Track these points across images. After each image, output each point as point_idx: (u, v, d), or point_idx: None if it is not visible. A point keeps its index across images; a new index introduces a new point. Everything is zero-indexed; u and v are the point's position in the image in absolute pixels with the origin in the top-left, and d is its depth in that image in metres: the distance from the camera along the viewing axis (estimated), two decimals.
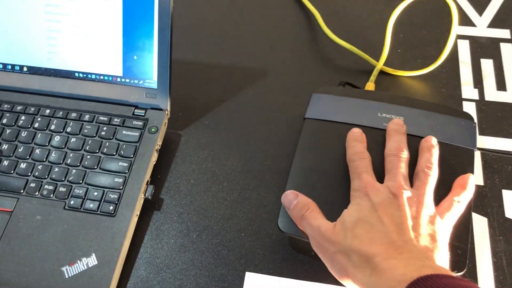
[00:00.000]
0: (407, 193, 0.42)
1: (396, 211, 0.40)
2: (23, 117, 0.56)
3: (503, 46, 0.64)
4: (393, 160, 0.45)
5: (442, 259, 0.40)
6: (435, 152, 0.47)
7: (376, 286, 0.37)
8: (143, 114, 0.56)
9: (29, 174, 0.52)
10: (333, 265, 0.42)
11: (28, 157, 0.53)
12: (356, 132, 0.49)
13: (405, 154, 0.46)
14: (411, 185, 0.44)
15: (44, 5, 0.55)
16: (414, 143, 0.48)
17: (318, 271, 0.47)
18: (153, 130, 0.54)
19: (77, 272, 0.46)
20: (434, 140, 0.48)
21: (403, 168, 0.45)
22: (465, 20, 0.68)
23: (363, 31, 0.68)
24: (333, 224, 0.42)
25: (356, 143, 0.48)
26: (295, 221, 0.45)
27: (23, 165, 0.53)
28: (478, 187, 0.52)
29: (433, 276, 0.33)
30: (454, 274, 0.35)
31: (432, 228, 0.41)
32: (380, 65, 0.60)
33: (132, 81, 0.56)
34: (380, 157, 0.47)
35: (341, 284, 0.46)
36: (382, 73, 0.62)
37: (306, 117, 0.53)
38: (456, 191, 0.45)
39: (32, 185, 0.51)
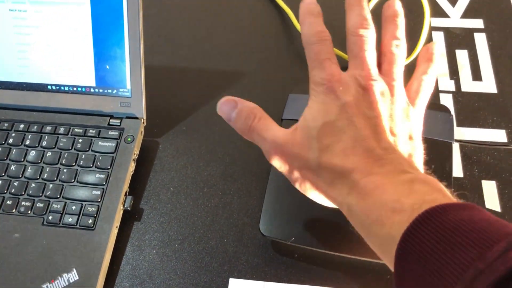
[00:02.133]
0: (378, 85, 0.36)
1: (368, 110, 0.35)
2: None
3: (477, 36, 0.64)
4: (356, 40, 0.38)
5: (421, 159, 0.36)
6: (401, 22, 0.39)
7: (361, 211, 0.31)
8: (119, 124, 0.55)
9: (5, 191, 0.51)
10: (296, 180, 0.36)
11: (3, 174, 0.52)
12: (310, 3, 0.40)
13: (370, 30, 0.38)
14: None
15: (11, 18, 0.54)
16: None
17: (302, 273, 0.47)
18: (129, 139, 0.53)
19: None
20: (398, 4, 0.40)
21: (370, 50, 0.37)
22: (439, 12, 0.68)
23: (337, 27, 0.67)
24: (291, 131, 0.36)
25: (313, 18, 0.39)
26: (242, 134, 0.39)
27: None
28: (457, 179, 0.52)
29: (443, 209, 0.26)
30: (450, 193, 0.30)
31: (408, 125, 0.36)
32: None
33: (105, 91, 0.55)
34: None
35: (325, 284, 0.46)
36: None
37: (283, 118, 0.53)
38: (422, 68, 0.39)
39: (9, 202, 0.50)
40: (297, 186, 0.37)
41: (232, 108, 0.38)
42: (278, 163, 0.37)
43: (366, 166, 0.32)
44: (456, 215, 0.26)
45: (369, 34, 0.38)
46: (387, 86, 0.36)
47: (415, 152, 0.36)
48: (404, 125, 0.36)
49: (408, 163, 0.33)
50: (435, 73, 0.39)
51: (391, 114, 0.35)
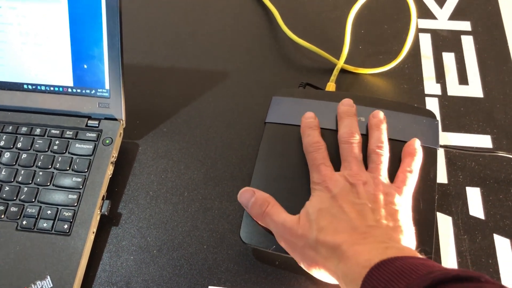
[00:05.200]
0: (363, 180, 0.43)
1: (355, 199, 0.41)
2: None
3: (464, 38, 0.64)
4: (346, 147, 0.46)
5: (406, 236, 0.40)
6: (384, 128, 0.47)
7: (344, 273, 0.37)
8: (97, 125, 0.53)
9: None
10: (302, 258, 0.42)
11: None
12: (309, 118, 0.49)
13: (356, 139, 0.46)
14: (366, 164, 0.46)
15: None
16: None
17: (283, 281, 0.46)
18: (107, 141, 0.52)
19: None
20: (381, 114, 0.48)
21: (357, 153, 0.45)
22: (426, 13, 0.67)
23: (323, 28, 0.66)
24: (296, 217, 0.43)
25: (311, 131, 0.48)
26: (256, 218, 0.45)
27: None
28: (442, 185, 0.51)
29: (394, 259, 0.34)
30: (418, 252, 0.36)
31: (392, 208, 0.42)
32: (340, 63, 0.59)
33: (83, 91, 0.53)
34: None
35: None
36: (343, 71, 0.61)
37: (267, 121, 0.52)
38: (406, 162, 0.46)
39: None
40: (301, 264, 0.42)
41: (250, 196, 0.45)
42: (285, 244, 0.43)
43: (352, 239, 0.38)
44: (399, 263, 0.33)
45: (355, 140, 0.46)
46: (373, 179, 0.43)
47: (399, 230, 0.40)
48: (387, 208, 0.41)
49: (389, 237, 0.39)
50: (418, 165, 0.46)
51: (376, 200, 0.42)
